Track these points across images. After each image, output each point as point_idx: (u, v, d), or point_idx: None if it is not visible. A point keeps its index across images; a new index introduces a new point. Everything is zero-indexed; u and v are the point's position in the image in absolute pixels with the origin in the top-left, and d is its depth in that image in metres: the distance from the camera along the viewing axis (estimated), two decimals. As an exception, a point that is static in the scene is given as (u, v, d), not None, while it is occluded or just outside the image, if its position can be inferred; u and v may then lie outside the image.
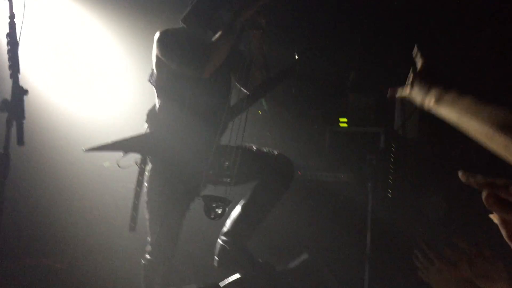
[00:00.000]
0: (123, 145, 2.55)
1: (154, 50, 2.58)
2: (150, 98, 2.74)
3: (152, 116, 2.68)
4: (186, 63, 2.47)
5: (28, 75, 3.67)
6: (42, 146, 3.91)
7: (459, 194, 3.16)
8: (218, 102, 2.68)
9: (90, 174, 4.00)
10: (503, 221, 0.69)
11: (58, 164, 4.05)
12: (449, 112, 1.10)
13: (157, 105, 2.67)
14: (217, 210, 2.50)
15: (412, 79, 1.32)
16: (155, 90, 2.67)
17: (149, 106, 2.75)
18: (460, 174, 0.70)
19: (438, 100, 1.16)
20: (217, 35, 2.47)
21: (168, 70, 2.56)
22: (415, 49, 1.37)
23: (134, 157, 2.63)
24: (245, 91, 2.75)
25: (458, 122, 1.06)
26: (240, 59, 2.74)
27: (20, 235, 3.82)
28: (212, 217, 2.51)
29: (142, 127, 2.70)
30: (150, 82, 2.67)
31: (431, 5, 3.40)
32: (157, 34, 2.57)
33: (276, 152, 2.77)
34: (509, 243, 0.70)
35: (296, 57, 2.67)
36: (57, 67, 4.16)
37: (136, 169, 2.65)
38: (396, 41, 3.58)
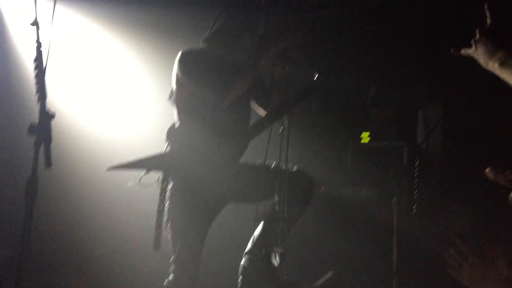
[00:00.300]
0: (144, 164, 2.58)
1: (175, 70, 2.62)
2: (171, 117, 2.78)
3: (172, 134, 2.71)
4: (207, 89, 2.52)
5: (55, 98, 3.76)
6: (68, 168, 3.98)
7: (485, 207, 3.10)
8: (237, 121, 2.70)
9: (115, 194, 4.05)
10: None
11: (84, 186, 4.12)
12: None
13: (177, 124, 2.70)
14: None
15: (478, 39, 1.30)
16: (174, 109, 2.71)
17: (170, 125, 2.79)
18: (487, 170, 0.69)
19: (502, 64, 1.16)
20: (241, 67, 2.51)
21: (188, 92, 2.60)
22: (486, 7, 1.34)
23: (156, 176, 2.66)
24: (264, 111, 2.78)
25: None
26: (260, 81, 2.77)
27: (48, 256, 3.88)
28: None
29: (163, 146, 2.73)
30: (170, 102, 2.71)
31: (449, 20, 3.39)
32: (179, 55, 2.61)
33: (295, 168, 2.76)
34: None
35: (316, 76, 2.68)
36: (82, 89, 4.27)
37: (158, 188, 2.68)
38: (416, 55, 3.57)
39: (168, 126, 2.76)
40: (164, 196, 2.61)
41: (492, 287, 1.38)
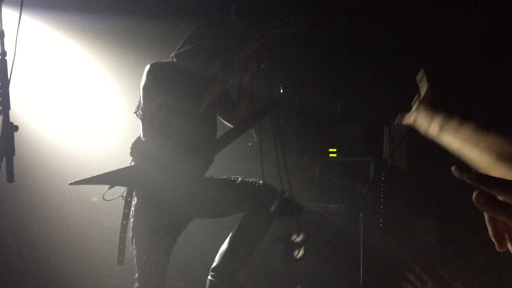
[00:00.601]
0: (108, 179, 2.54)
1: (143, 82, 2.60)
2: (137, 130, 2.76)
3: (136, 148, 2.68)
4: (182, 96, 2.51)
5: (18, 111, 3.68)
6: (31, 181, 3.89)
7: (449, 220, 3.17)
8: (203, 135, 2.70)
9: (79, 209, 3.97)
10: (491, 219, 0.69)
11: (47, 200, 4.02)
12: (452, 140, 1.08)
13: (142, 138, 2.67)
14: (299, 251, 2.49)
15: (417, 106, 1.28)
16: (140, 122, 2.68)
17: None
18: (453, 169, 0.69)
19: (441, 128, 1.13)
20: (216, 71, 2.51)
21: (157, 103, 2.58)
22: (421, 73, 1.32)
23: (121, 190, 2.62)
24: (229, 125, 2.79)
25: (460, 151, 1.04)
26: (226, 95, 2.79)
27: (9, 270, 3.75)
28: (297, 257, 2.49)
29: (128, 159, 2.69)
30: (136, 115, 2.68)
31: (416, 36, 3.48)
32: (148, 67, 2.59)
33: (261, 182, 2.78)
34: (494, 240, 0.69)
35: (281, 91, 2.72)
36: (47, 102, 4.19)
37: (123, 203, 2.64)
38: (383, 71, 3.65)
39: (133, 139, 2.73)
40: (128, 212, 2.58)
41: None
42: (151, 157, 2.60)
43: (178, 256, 2.72)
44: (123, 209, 2.59)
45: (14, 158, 1.59)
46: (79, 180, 2.48)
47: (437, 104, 1.20)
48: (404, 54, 3.56)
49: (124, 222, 2.57)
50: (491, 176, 0.66)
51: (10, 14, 2.25)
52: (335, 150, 3.87)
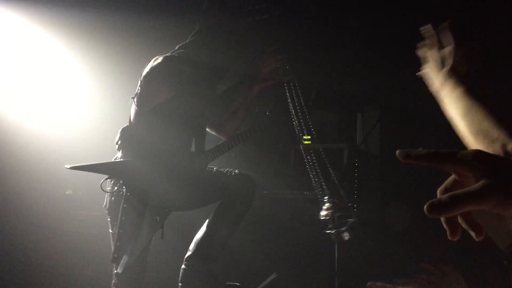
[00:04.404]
0: (106, 169, 2.51)
1: (153, 73, 2.54)
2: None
3: (126, 137, 2.62)
4: (203, 102, 2.61)
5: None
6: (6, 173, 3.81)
7: (422, 205, 3.22)
8: (197, 139, 2.74)
9: (54, 202, 3.90)
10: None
11: (14, 195, 3.94)
12: (448, 105, 1.06)
13: (136, 125, 2.62)
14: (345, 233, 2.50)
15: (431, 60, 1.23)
16: (135, 109, 2.63)
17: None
18: (397, 153, 0.69)
19: (442, 84, 1.10)
20: (235, 89, 2.68)
21: (166, 95, 2.53)
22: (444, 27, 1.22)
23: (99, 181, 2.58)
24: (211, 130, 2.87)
25: (453, 118, 1.02)
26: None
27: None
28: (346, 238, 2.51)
29: (112, 145, 2.64)
30: (133, 101, 2.62)
31: (387, 24, 3.51)
32: (161, 59, 2.55)
33: (236, 171, 2.78)
34: (446, 228, 0.67)
35: (267, 113, 2.80)
36: (11, 97, 4.10)
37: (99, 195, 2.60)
38: (354, 58, 3.67)
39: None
40: (128, 207, 2.50)
41: None
42: (147, 146, 2.56)
43: (155, 246, 2.70)
44: (121, 204, 2.51)
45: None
46: (78, 166, 2.43)
47: (451, 61, 1.14)
48: (376, 41, 3.59)
49: (123, 218, 2.49)
50: (441, 150, 0.66)
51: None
52: (309, 137, 3.89)
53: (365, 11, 3.59)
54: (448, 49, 1.16)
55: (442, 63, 1.16)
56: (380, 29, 3.60)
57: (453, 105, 1.03)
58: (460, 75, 1.08)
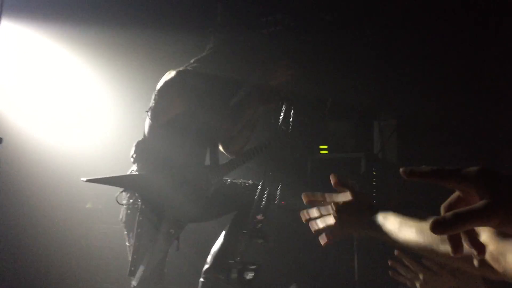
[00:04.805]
0: (121, 182, 2.54)
1: (167, 88, 2.57)
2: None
3: (141, 150, 2.65)
4: (217, 117, 2.60)
5: (2, 123, 3.67)
6: (18, 193, 3.86)
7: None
8: (211, 154, 2.77)
9: (74, 215, 3.95)
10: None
11: (35, 210, 4.00)
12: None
13: (151, 139, 2.65)
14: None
15: None
16: (149, 124, 2.65)
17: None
18: (401, 171, 0.70)
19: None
20: (244, 101, 2.65)
21: (180, 110, 2.56)
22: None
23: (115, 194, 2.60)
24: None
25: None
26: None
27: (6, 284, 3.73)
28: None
29: (127, 159, 2.67)
30: (148, 115, 2.65)
31: (400, 34, 3.50)
32: (174, 74, 2.58)
33: (250, 182, 2.79)
34: (449, 244, 0.67)
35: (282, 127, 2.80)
36: (30, 112, 4.17)
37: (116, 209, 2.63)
38: (369, 67, 3.66)
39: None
40: (143, 219, 2.52)
41: None
42: (162, 159, 2.59)
43: (171, 258, 2.71)
44: (137, 216, 2.53)
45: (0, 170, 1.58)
46: (93, 179, 2.48)
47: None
48: (392, 50, 3.58)
49: (139, 231, 2.51)
50: (445, 167, 0.66)
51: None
52: (326, 146, 3.88)
53: (381, 20, 3.59)
54: None
55: None
56: (397, 38, 3.59)
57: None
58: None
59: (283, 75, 2.70)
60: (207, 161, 2.77)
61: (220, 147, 2.89)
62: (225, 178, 2.79)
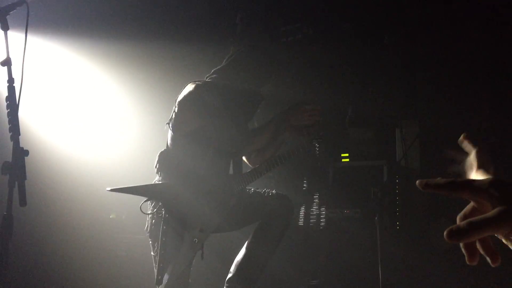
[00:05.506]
0: (145, 192, 2.58)
1: (189, 99, 2.61)
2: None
3: (164, 161, 2.69)
4: (228, 123, 2.60)
5: (28, 135, 3.75)
6: (44, 204, 3.94)
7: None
8: (235, 165, 2.79)
9: (98, 226, 4.01)
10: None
11: (60, 221, 4.07)
12: None
13: (173, 149, 2.69)
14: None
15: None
16: (171, 134, 2.70)
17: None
18: (417, 183, 0.71)
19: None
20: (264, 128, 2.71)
21: (201, 120, 2.60)
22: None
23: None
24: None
25: None
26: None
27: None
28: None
29: (151, 169, 2.71)
30: (169, 126, 2.69)
31: (420, 42, 3.48)
32: (195, 85, 2.62)
33: (273, 192, 2.79)
34: (464, 252, 0.69)
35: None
36: (56, 124, 4.27)
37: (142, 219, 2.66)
38: (390, 75, 3.64)
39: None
40: (167, 228, 2.55)
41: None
42: (185, 168, 2.62)
43: (196, 267, 2.73)
44: (161, 226, 2.56)
45: (26, 181, 1.62)
46: (118, 188, 2.52)
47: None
48: (413, 57, 3.55)
49: (164, 239, 2.54)
50: (458, 179, 0.68)
51: (18, 36, 2.30)
52: (347, 155, 3.86)
53: (400, 28, 3.57)
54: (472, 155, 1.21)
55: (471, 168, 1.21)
56: (418, 45, 3.56)
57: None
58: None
59: (303, 119, 2.72)
60: (231, 170, 2.78)
61: (244, 158, 2.91)
62: (248, 187, 2.80)
